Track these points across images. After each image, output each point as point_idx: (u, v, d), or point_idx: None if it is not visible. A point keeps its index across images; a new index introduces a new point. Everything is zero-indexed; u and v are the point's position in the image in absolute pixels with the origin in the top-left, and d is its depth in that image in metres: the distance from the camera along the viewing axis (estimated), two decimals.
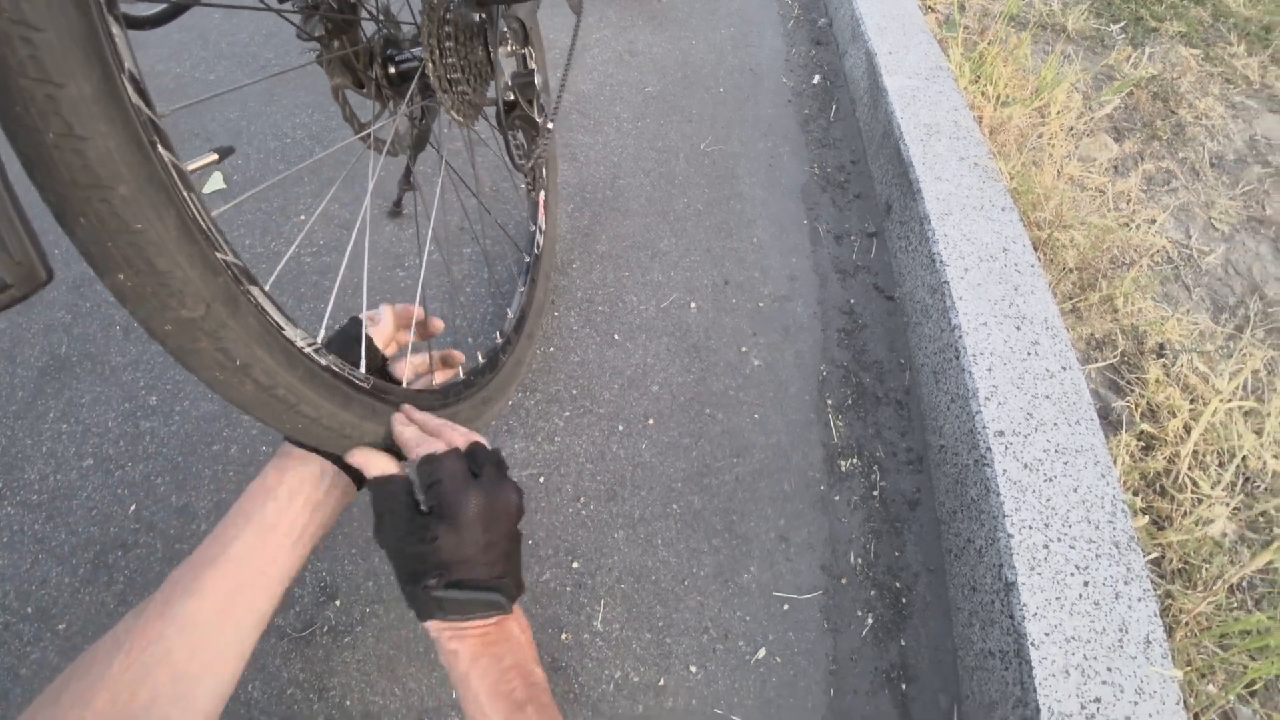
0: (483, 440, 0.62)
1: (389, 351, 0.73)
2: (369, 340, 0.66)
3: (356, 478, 0.61)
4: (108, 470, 1.05)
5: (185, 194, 0.40)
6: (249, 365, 0.45)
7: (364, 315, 0.70)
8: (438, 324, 0.81)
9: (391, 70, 0.78)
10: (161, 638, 0.49)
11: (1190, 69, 1.79)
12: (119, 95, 0.35)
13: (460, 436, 0.61)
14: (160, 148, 0.38)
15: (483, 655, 0.55)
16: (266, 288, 0.49)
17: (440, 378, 0.80)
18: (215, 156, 0.57)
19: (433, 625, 0.56)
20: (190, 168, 0.43)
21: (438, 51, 0.76)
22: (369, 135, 0.79)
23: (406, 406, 0.63)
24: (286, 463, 0.58)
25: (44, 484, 1.03)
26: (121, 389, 1.14)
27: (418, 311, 0.77)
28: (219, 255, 0.42)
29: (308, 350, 0.52)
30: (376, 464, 0.58)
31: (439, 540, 0.54)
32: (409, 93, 0.78)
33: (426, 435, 0.60)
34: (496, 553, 0.57)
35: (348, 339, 0.66)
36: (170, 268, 0.39)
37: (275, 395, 0.48)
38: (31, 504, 1.01)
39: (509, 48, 0.92)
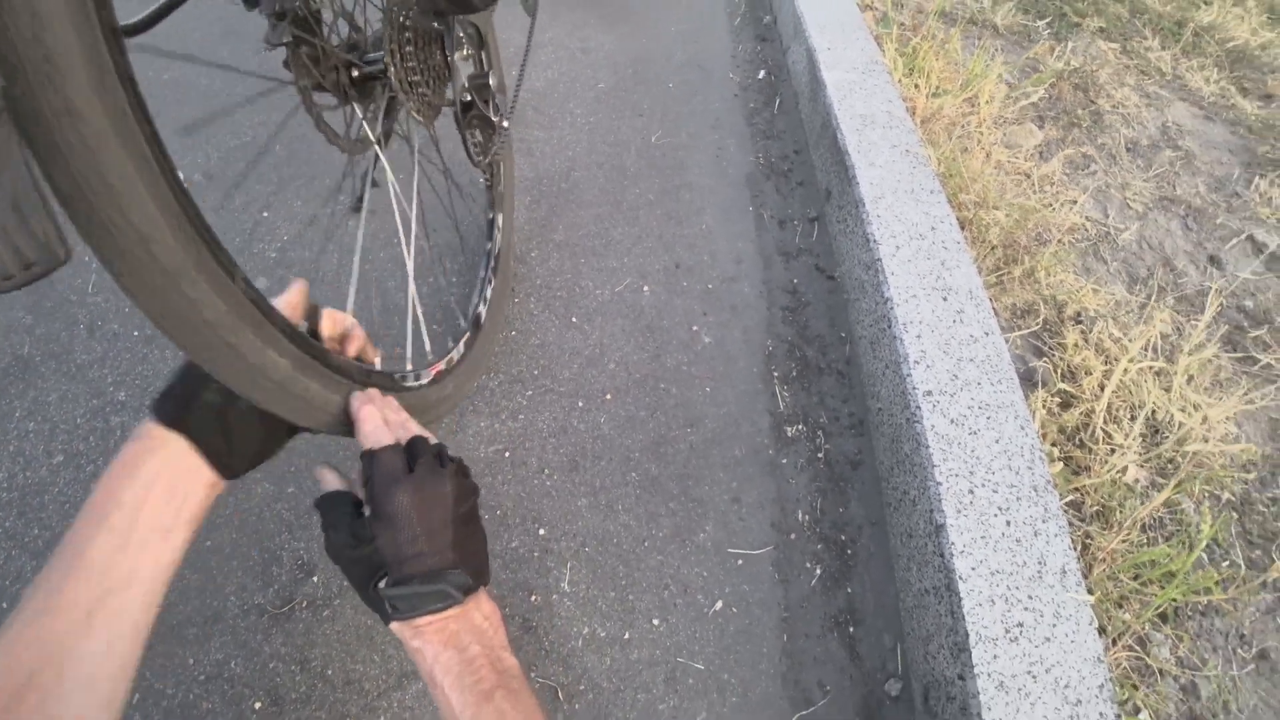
0: (426, 435, 0.62)
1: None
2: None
3: (221, 464, 0.55)
4: (79, 465, 1.06)
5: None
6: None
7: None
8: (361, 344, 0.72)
9: (355, 74, 0.83)
10: (18, 664, 0.44)
11: (1109, 61, 1.91)
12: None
13: (405, 433, 0.61)
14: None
15: (445, 649, 0.55)
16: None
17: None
18: None
19: (395, 627, 0.56)
20: None
21: (399, 56, 0.81)
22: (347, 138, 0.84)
23: (372, 390, 0.64)
24: (146, 444, 0.52)
25: (13, 482, 1.04)
26: (88, 386, 1.15)
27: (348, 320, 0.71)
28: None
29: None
30: (327, 481, 0.59)
31: (377, 539, 0.54)
32: (373, 94, 0.83)
33: (383, 426, 0.60)
34: (441, 542, 0.55)
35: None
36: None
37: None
38: (1, 501, 1.03)
39: (465, 52, 0.97)
